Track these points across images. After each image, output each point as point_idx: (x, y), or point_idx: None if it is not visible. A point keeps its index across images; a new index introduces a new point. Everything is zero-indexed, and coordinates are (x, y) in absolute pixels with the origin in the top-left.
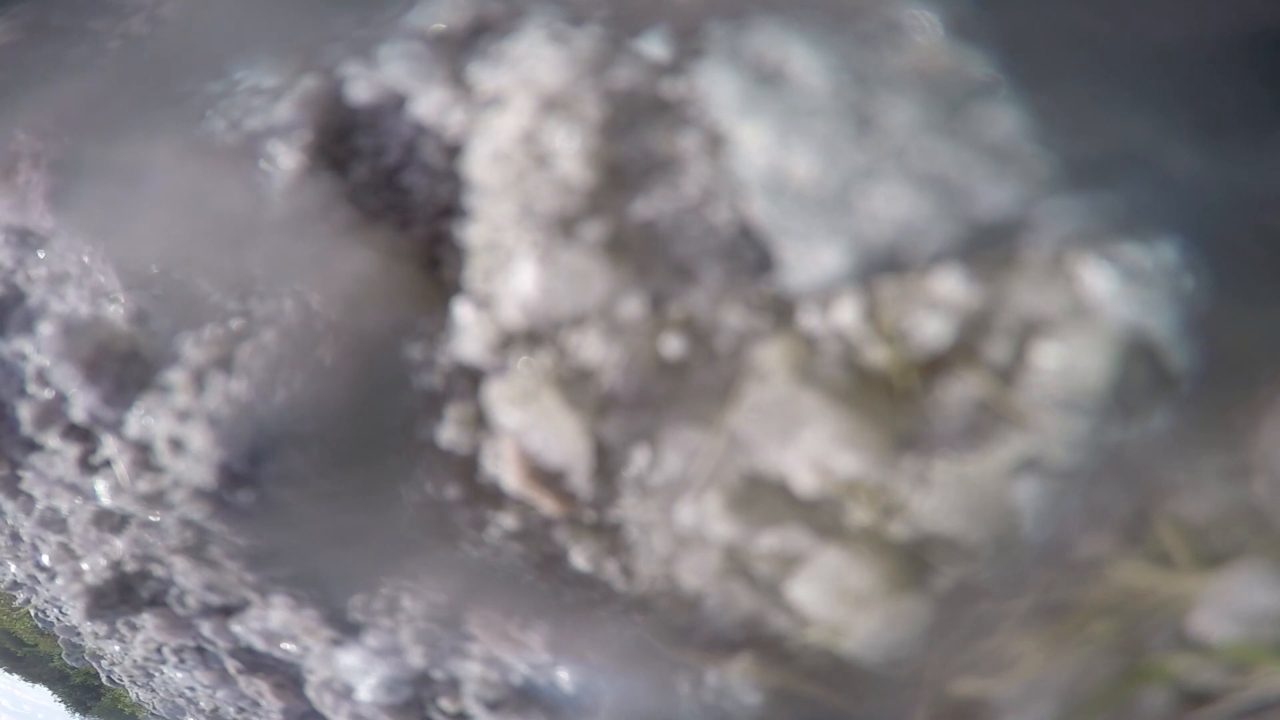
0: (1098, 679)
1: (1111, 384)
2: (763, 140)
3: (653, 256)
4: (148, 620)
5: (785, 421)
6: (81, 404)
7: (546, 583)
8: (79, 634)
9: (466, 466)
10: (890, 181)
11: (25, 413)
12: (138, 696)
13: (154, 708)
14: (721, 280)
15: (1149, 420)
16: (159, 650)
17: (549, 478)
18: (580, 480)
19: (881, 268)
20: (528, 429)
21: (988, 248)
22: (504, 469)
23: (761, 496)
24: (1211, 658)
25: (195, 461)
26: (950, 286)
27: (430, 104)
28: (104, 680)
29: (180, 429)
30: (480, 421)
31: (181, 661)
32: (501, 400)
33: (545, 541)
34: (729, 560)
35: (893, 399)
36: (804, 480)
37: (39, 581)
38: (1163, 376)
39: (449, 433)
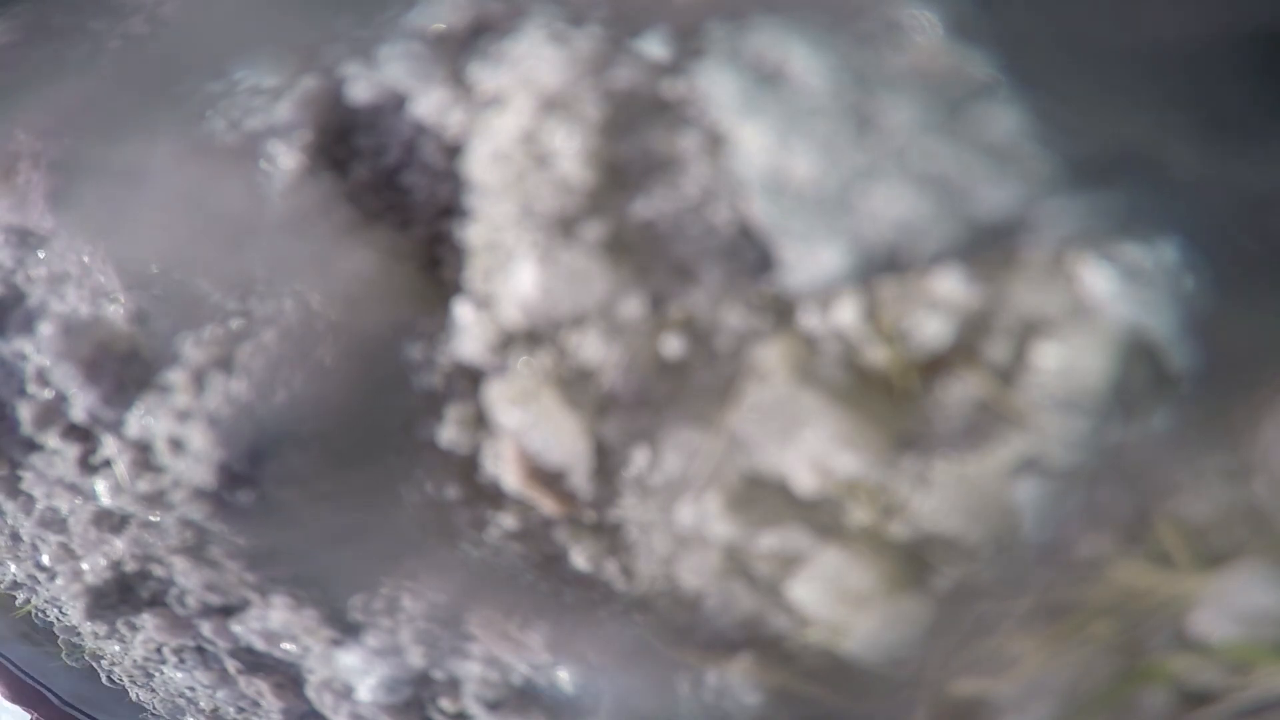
0: (1098, 679)
1: (1111, 384)
2: (763, 140)
3: (653, 256)
4: (148, 620)
5: (785, 421)
6: (81, 404)
7: (546, 583)
8: (79, 634)
9: (466, 466)
10: (890, 181)
11: (25, 413)
12: (138, 696)
13: (154, 708)
14: (721, 280)
15: (1149, 420)
16: (159, 650)
17: (549, 478)
18: (580, 480)
19: (881, 268)
20: (528, 429)
21: (988, 248)
22: (504, 469)
23: (761, 496)
24: (1211, 658)
25: (195, 461)
26: (950, 286)
27: (430, 104)
28: (104, 680)
29: (180, 429)
30: (480, 421)
31: (181, 661)
32: (501, 400)
33: (545, 541)
34: (729, 560)
35: (893, 399)
36: (804, 480)
37: (39, 581)
38: (1163, 376)
39: (449, 433)
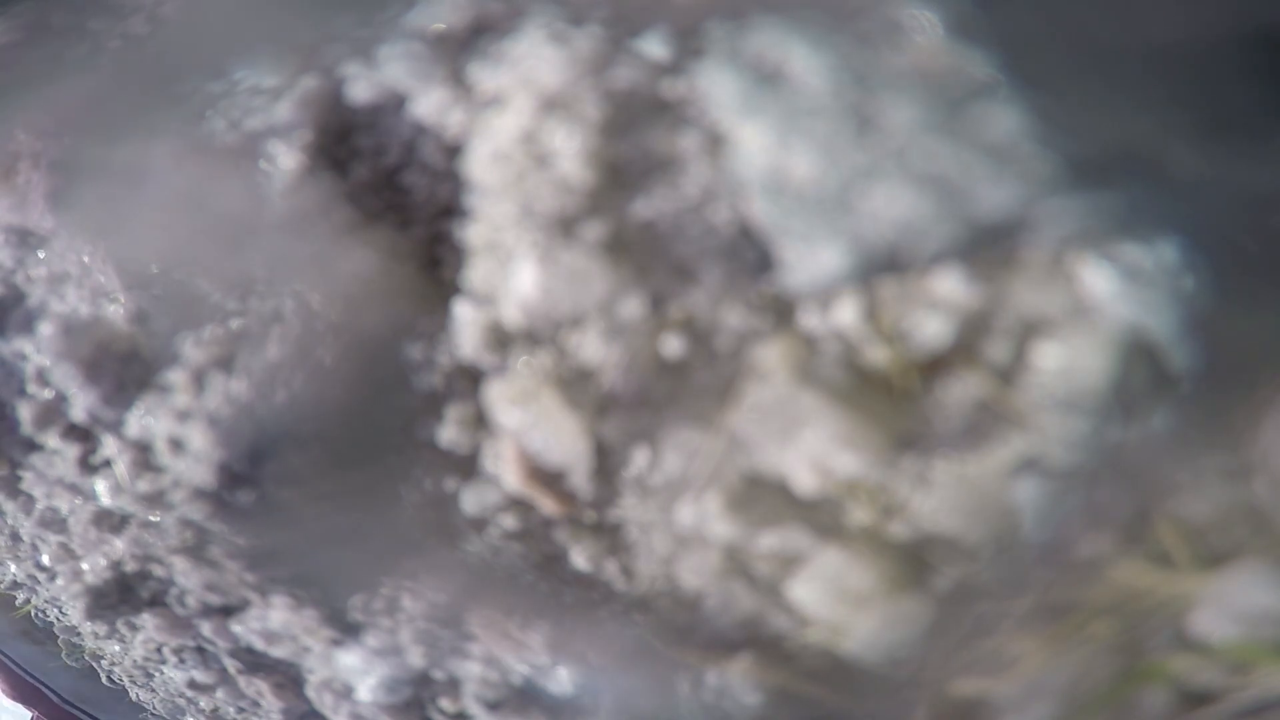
0: (1098, 679)
1: (1111, 384)
2: (763, 140)
3: (653, 256)
4: (148, 620)
5: (785, 421)
6: (81, 404)
7: (546, 583)
8: (79, 634)
9: (466, 466)
10: (890, 181)
11: (25, 413)
12: (138, 696)
13: (154, 708)
14: (721, 280)
15: (1149, 420)
16: (159, 650)
17: (549, 478)
18: (580, 480)
19: (881, 268)
20: (528, 429)
21: (988, 248)
22: (504, 469)
23: (761, 496)
24: (1211, 658)
25: (195, 461)
26: (950, 286)
27: (430, 104)
28: (104, 680)
29: (180, 429)
30: (480, 421)
31: (181, 661)
32: (501, 400)
33: (545, 541)
34: (729, 560)
35: (893, 399)
36: (804, 480)
37: (39, 581)
38: (1163, 376)
39: (449, 433)
